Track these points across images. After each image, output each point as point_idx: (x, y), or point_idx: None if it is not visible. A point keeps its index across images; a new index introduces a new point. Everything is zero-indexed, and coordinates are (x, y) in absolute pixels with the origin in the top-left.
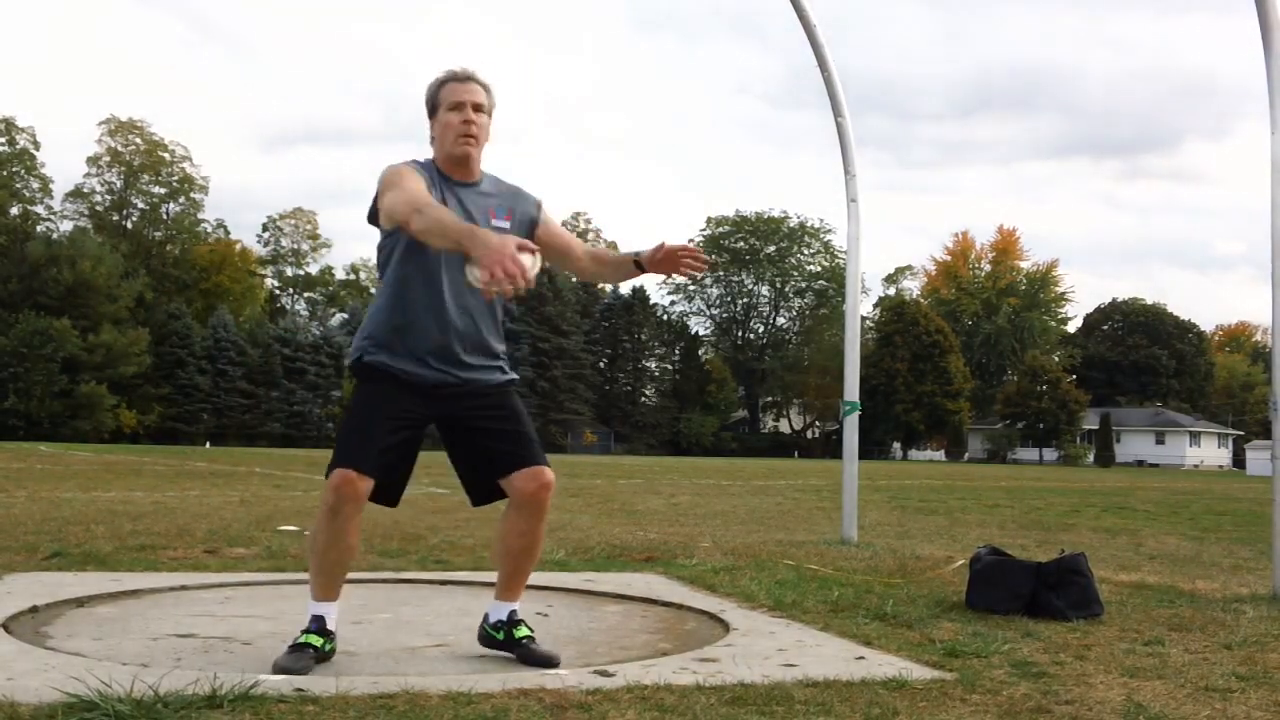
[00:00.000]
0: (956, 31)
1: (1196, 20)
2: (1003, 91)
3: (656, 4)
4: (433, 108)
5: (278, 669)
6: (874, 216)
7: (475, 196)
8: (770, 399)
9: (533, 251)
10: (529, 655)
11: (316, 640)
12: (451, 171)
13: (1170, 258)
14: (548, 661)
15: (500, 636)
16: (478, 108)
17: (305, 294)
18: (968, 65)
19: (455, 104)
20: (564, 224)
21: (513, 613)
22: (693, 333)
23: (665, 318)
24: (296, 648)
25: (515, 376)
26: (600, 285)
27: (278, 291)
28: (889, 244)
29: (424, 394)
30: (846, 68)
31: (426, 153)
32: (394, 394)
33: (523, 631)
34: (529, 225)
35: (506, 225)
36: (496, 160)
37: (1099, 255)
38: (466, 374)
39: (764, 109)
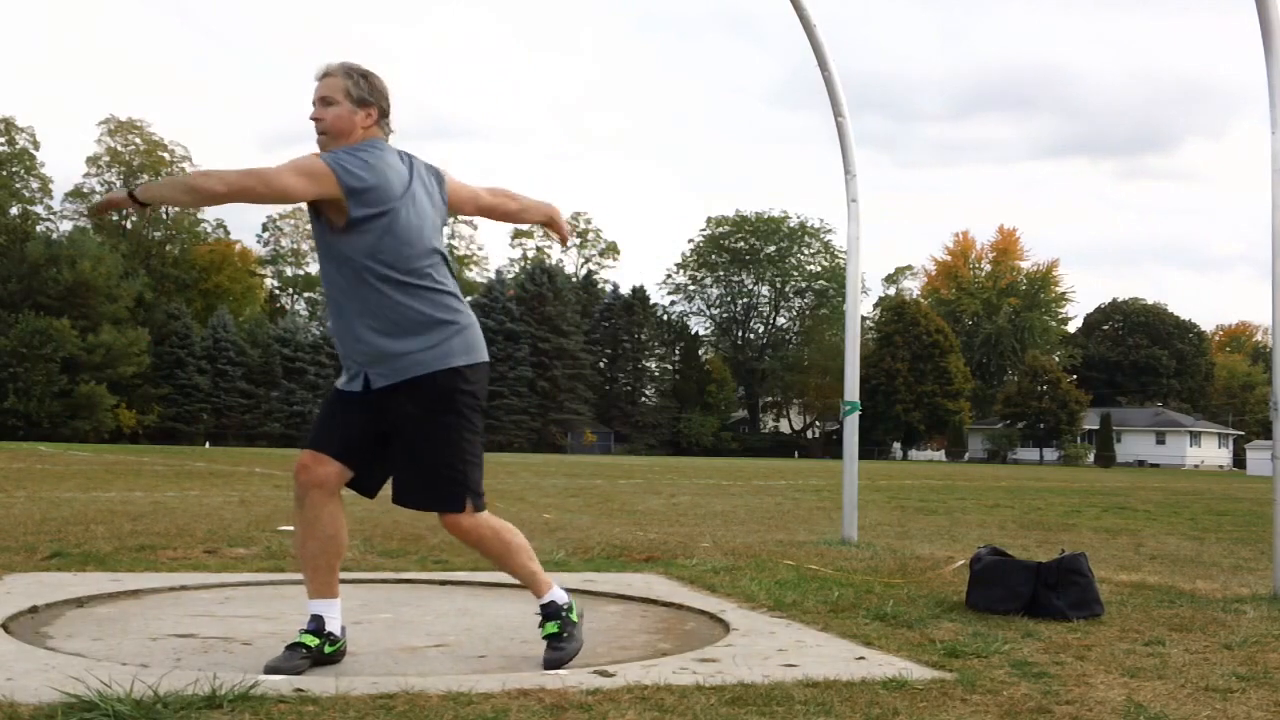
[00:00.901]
0: (955, 31)
1: (1196, 20)
2: (1002, 91)
3: (656, 3)
4: None
5: (269, 669)
6: (874, 216)
7: None
8: (770, 399)
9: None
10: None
11: (311, 640)
12: None
13: (1170, 258)
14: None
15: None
16: (324, 101)
17: (305, 294)
18: (967, 65)
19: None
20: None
21: (542, 605)
22: (693, 333)
23: (665, 318)
24: (290, 648)
25: (394, 379)
26: (601, 285)
27: (278, 291)
28: (889, 244)
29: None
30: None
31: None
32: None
33: (547, 629)
34: None
35: None
36: (496, 159)
37: (1099, 255)
38: (361, 368)
39: (764, 109)
